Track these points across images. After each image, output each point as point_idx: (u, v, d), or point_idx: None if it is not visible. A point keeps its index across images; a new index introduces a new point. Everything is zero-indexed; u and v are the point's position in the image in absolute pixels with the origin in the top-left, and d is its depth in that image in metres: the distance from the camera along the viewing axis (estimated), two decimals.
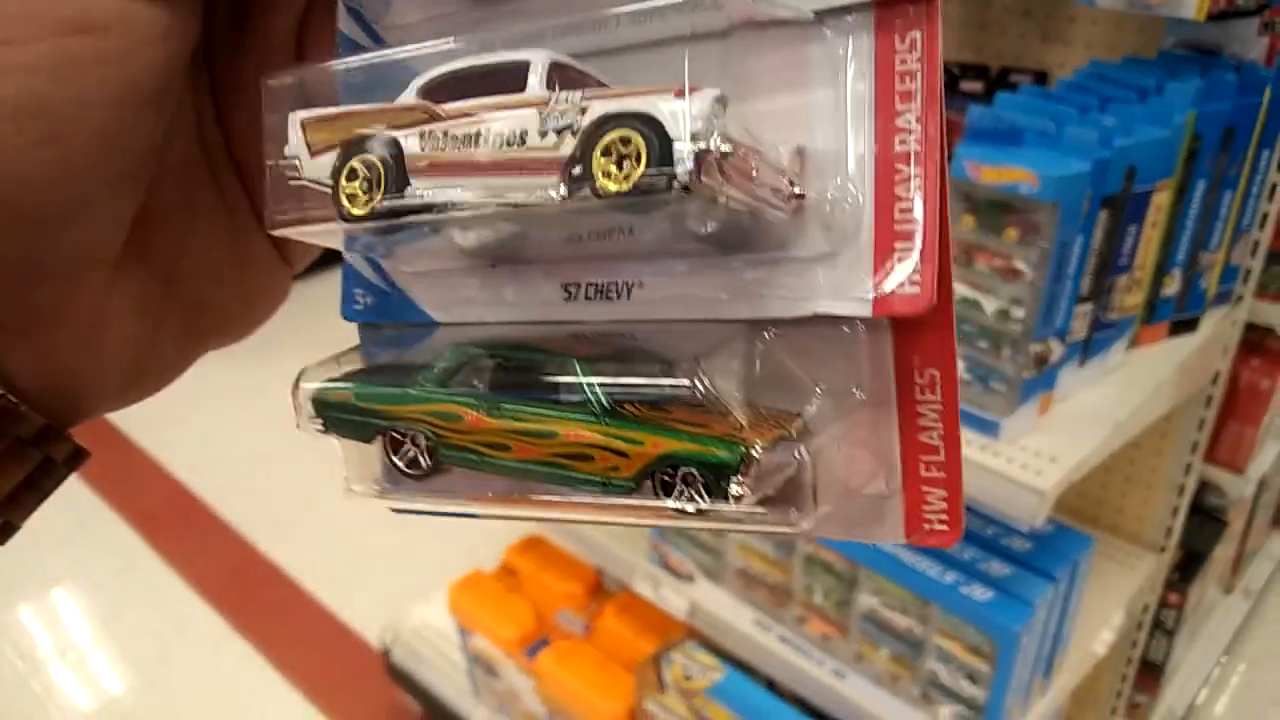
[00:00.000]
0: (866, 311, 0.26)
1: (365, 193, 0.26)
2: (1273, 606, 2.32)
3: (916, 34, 0.25)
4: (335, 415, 0.31)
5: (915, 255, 0.25)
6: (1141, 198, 1.18)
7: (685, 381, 0.27)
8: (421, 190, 0.26)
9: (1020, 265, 1.08)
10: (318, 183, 0.27)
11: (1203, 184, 1.25)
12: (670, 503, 0.27)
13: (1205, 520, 1.78)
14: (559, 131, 0.23)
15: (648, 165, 0.22)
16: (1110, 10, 1.17)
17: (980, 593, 1.24)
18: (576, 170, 0.23)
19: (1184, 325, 1.37)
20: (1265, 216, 1.38)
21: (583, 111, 0.23)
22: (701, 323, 0.29)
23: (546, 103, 0.24)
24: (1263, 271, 1.43)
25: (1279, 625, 2.30)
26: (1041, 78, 1.51)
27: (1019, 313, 1.09)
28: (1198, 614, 1.92)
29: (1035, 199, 1.04)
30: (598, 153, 0.23)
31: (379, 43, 0.31)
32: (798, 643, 1.46)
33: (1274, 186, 1.36)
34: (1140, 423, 1.28)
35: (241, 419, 2.98)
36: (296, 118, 0.28)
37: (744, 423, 0.27)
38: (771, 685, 1.58)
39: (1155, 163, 1.16)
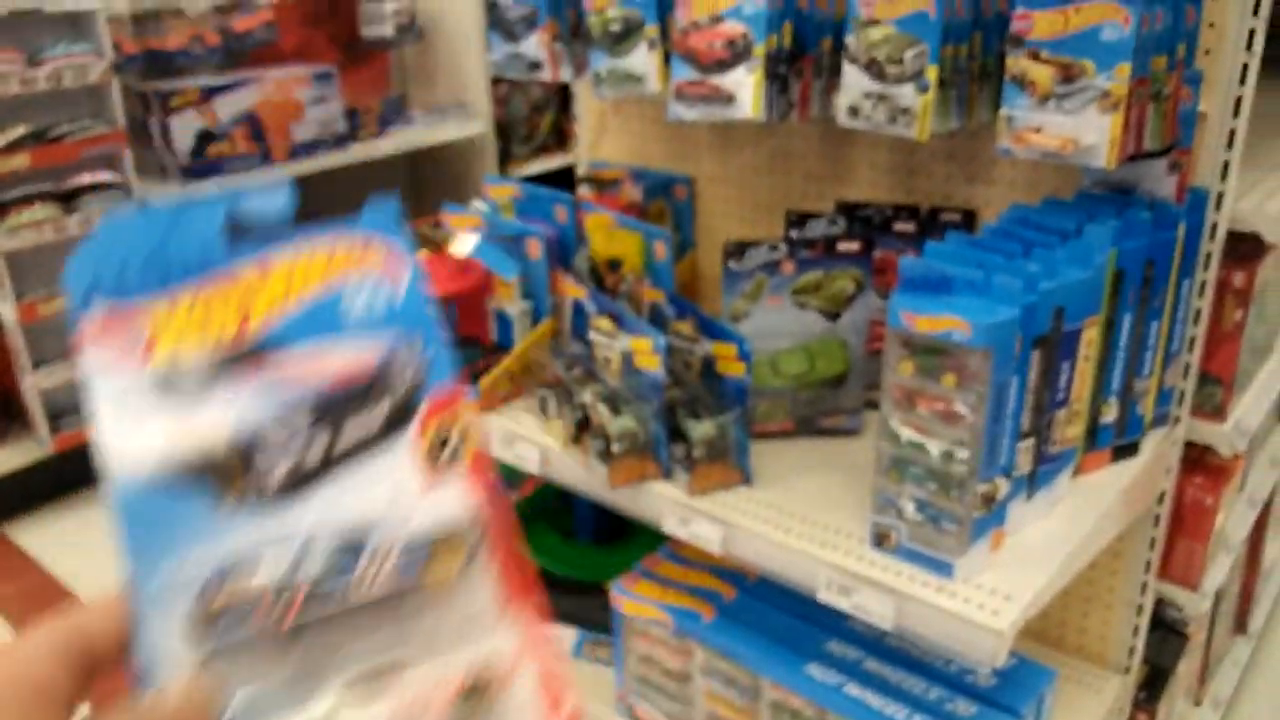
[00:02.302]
0: None
1: None
2: (1243, 714, 2.31)
3: None
4: None
5: None
6: (1072, 335, 1.22)
7: None
8: None
9: (960, 409, 1.11)
10: None
11: (1129, 316, 1.30)
12: None
13: (1167, 634, 1.78)
14: None
15: None
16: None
17: None
18: None
19: (1125, 450, 1.40)
20: (1193, 340, 1.43)
21: None
22: None
23: None
24: (1196, 391, 1.48)
25: None
26: (970, 215, 1.57)
27: (963, 454, 1.12)
28: None
29: (968, 345, 1.08)
30: None
31: None
32: None
33: (1198, 312, 1.42)
34: (1091, 550, 1.30)
35: None
36: None
37: None
38: None
39: (1081, 301, 1.21)
